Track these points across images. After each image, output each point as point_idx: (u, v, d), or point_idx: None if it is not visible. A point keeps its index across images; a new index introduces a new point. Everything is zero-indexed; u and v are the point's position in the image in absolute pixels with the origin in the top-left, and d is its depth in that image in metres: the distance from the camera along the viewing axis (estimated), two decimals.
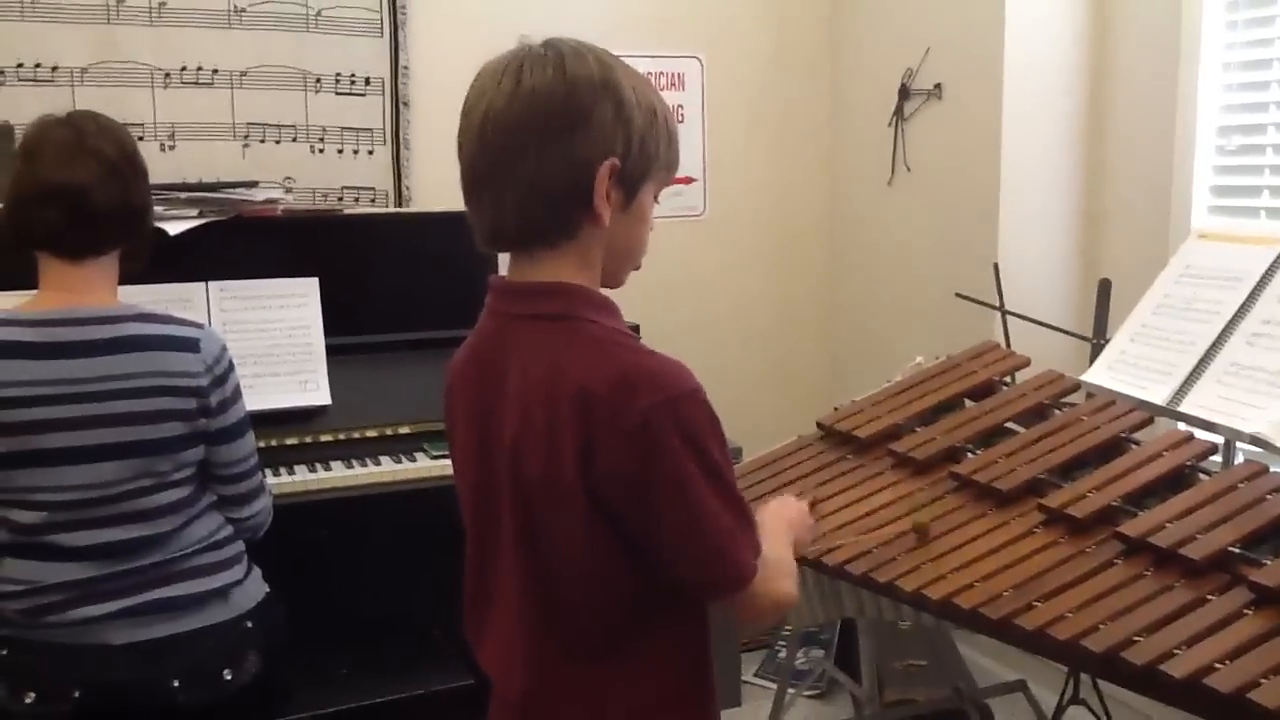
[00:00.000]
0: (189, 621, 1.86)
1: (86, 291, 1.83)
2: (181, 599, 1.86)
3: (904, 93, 3.22)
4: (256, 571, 2.02)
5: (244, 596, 1.95)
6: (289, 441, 2.51)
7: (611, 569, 1.17)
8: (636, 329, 1.26)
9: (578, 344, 1.15)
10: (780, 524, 1.35)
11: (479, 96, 1.15)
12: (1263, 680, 1.24)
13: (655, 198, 1.23)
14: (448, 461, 2.43)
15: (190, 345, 1.86)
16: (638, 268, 1.27)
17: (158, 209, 2.51)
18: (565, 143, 1.12)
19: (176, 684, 1.84)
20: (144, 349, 1.82)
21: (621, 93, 1.14)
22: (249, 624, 1.94)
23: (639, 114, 1.15)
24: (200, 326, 1.93)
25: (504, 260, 1.25)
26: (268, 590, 2.03)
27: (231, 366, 1.93)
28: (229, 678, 1.90)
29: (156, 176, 2.74)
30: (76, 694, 1.79)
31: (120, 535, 1.82)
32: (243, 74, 2.90)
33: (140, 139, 2.80)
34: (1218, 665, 1.28)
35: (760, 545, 1.19)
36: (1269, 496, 1.58)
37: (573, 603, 1.19)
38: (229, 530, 1.97)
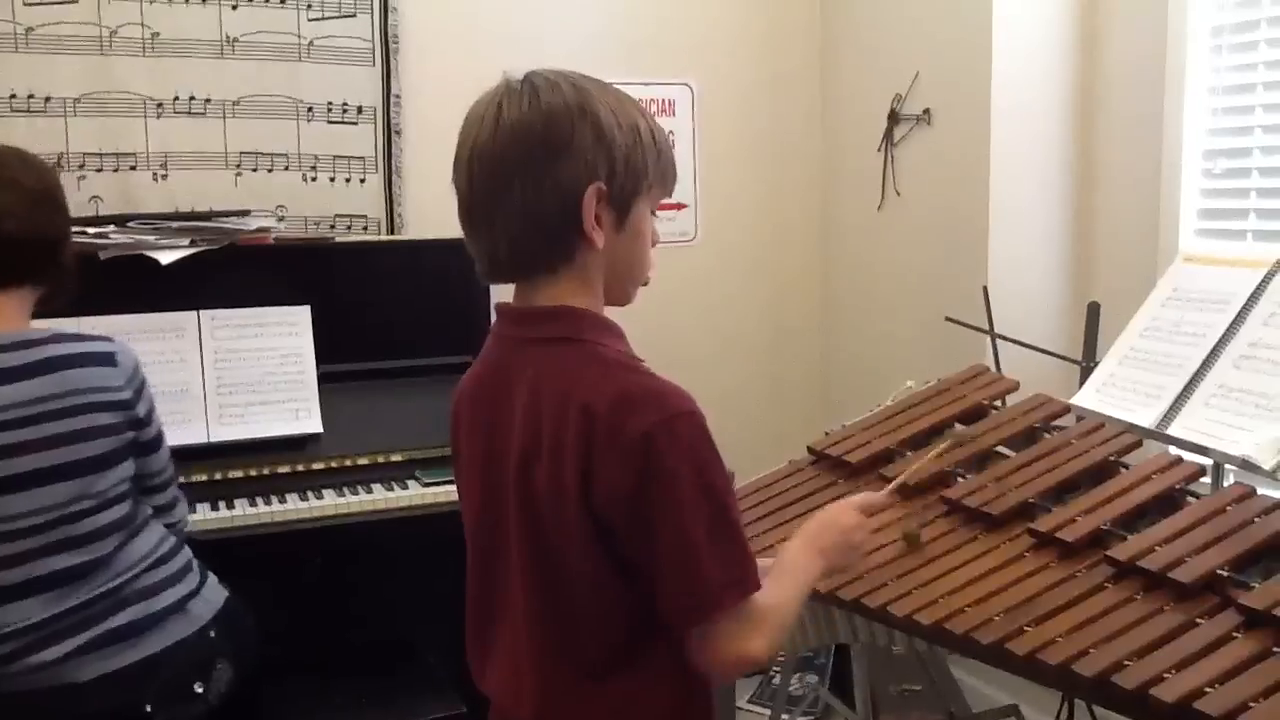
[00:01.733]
0: (154, 642, 1.85)
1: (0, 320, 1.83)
2: (140, 622, 1.85)
3: (893, 118, 3.24)
4: (212, 578, 2.02)
5: (203, 606, 1.95)
6: (281, 470, 2.51)
7: (613, 587, 1.17)
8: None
9: (583, 365, 1.17)
10: (805, 552, 1.31)
11: (466, 134, 1.19)
12: (1252, 704, 1.24)
13: (653, 212, 1.24)
14: (441, 489, 2.48)
15: (108, 360, 1.87)
16: (646, 283, 1.28)
17: (150, 238, 2.55)
18: (548, 171, 1.15)
19: (150, 709, 1.84)
20: (65, 368, 1.82)
21: (599, 116, 1.16)
22: (212, 633, 1.94)
23: (620, 134, 1.17)
24: (111, 340, 1.93)
25: (496, 289, 1.26)
26: (228, 595, 2.03)
27: (145, 378, 1.95)
28: (200, 690, 1.89)
29: (149, 206, 2.79)
30: None
31: (66, 562, 1.81)
32: (235, 103, 2.91)
33: (133, 168, 2.84)
34: (1208, 689, 1.28)
35: (745, 588, 1.15)
36: (1257, 519, 1.58)
37: (579, 621, 1.19)
38: (172, 542, 1.97)
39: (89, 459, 1.82)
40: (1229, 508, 1.62)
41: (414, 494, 2.50)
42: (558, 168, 1.15)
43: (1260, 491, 1.66)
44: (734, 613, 1.15)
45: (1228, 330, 1.91)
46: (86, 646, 1.81)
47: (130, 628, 1.84)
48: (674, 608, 1.16)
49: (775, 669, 3.29)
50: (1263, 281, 1.92)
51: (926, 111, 3.13)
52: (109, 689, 1.81)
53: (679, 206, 3.44)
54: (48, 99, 2.76)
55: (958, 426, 1.70)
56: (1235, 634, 1.37)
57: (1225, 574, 1.48)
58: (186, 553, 2.00)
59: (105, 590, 1.84)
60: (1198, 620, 1.42)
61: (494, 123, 1.16)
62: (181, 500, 2.09)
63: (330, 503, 2.44)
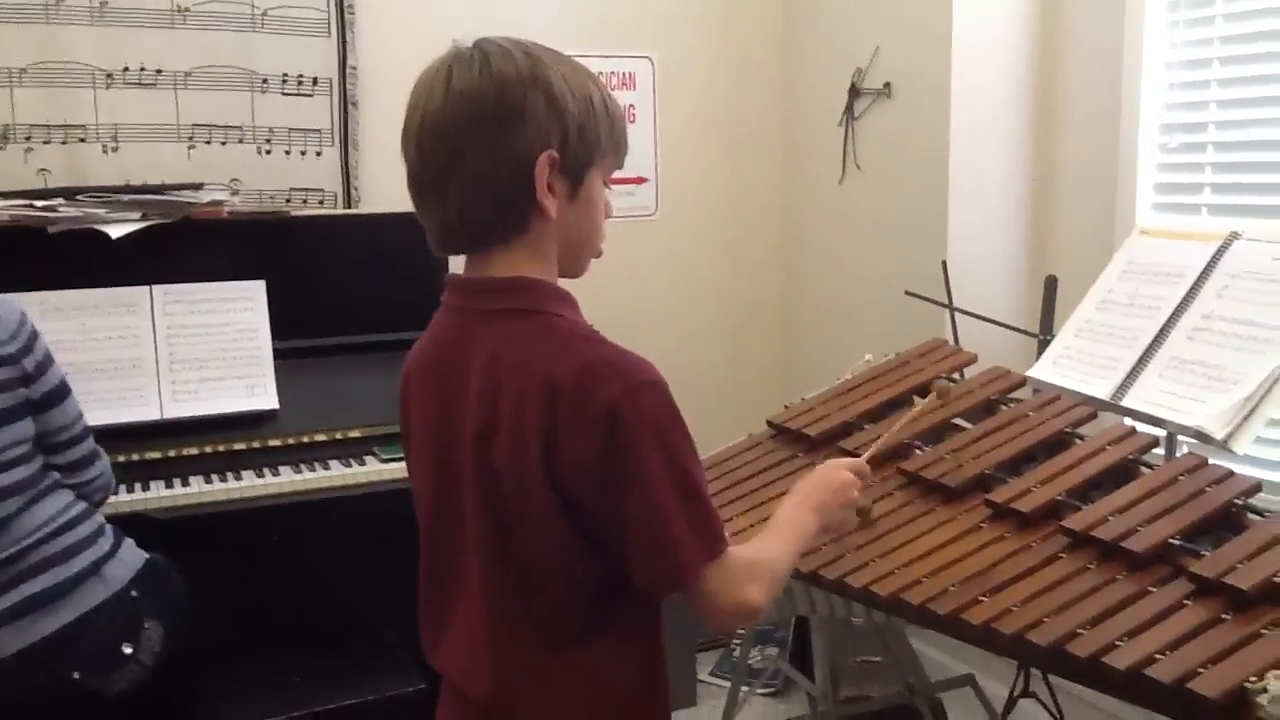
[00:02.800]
0: (71, 609, 1.83)
1: None
2: (53, 590, 1.83)
3: (854, 92, 3.24)
4: (128, 541, 2.00)
5: (120, 567, 1.93)
6: (237, 447, 2.48)
7: (572, 560, 1.17)
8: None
9: (542, 337, 1.16)
10: (800, 508, 1.32)
11: (414, 104, 1.18)
12: (1201, 670, 1.25)
13: (607, 184, 1.23)
14: (399, 465, 2.46)
15: None
16: (599, 255, 1.27)
17: (100, 211, 2.50)
18: (500, 139, 1.13)
19: (77, 675, 1.81)
20: None
21: (552, 85, 1.15)
22: (134, 593, 1.91)
23: (573, 103, 1.16)
24: None
25: (454, 262, 1.25)
26: (149, 556, 2.00)
27: (36, 332, 1.91)
28: (130, 652, 1.88)
29: (99, 179, 2.74)
30: None
31: None
32: (187, 74, 2.86)
33: (82, 140, 2.78)
34: (1159, 656, 1.30)
35: (717, 547, 1.16)
36: (1209, 489, 1.60)
37: (538, 594, 1.19)
38: (81, 507, 1.94)
39: None
40: (1181, 478, 1.64)
41: (372, 470, 2.48)
42: (510, 136, 1.13)
43: (1212, 461, 1.68)
44: (716, 568, 1.15)
45: (1181, 303, 1.92)
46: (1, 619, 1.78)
47: (42, 596, 1.82)
48: (650, 577, 1.16)
49: (736, 642, 3.31)
50: (1216, 254, 1.93)
51: (887, 85, 3.13)
52: (31, 663, 1.79)
53: (639, 180, 3.43)
54: None
55: (938, 382, 1.70)
56: (1186, 601, 1.39)
57: (1177, 543, 1.49)
58: (98, 517, 1.97)
59: (6, 557, 1.80)
60: (1150, 589, 1.43)
61: (444, 91, 1.14)
62: (99, 457, 2.04)
63: (287, 480, 2.42)
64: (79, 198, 2.53)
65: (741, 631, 2.87)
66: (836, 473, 1.39)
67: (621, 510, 1.12)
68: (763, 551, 1.24)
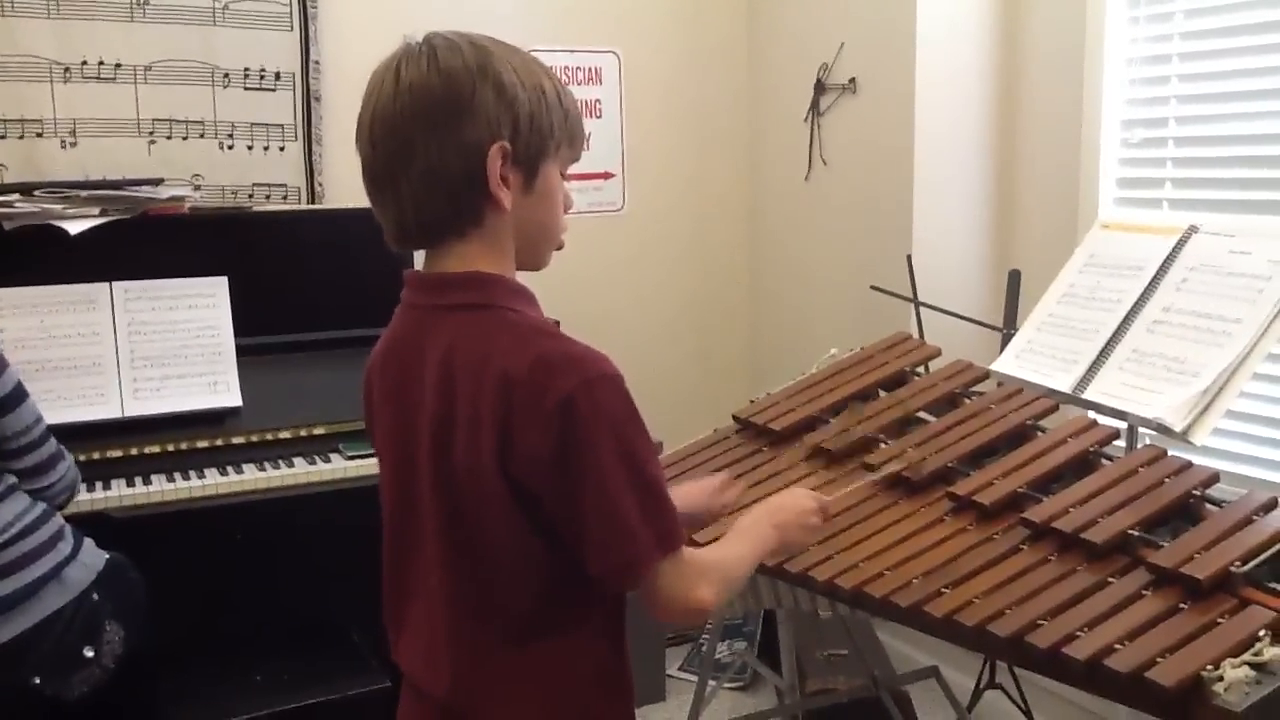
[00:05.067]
0: (30, 615, 1.82)
1: None
2: (11, 596, 1.81)
3: (819, 87, 3.24)
4: (88, 542, 1.98)
5: (81, 571, 1.91)
6: (199, 444, 2.46)
7: (531, 554, 1.16)
8: (556, 324, 1.25)
9: (498, 332, 1.15)
10: (761, 522, 1.33)
11: (366, 100, 1.17)
12: (1159, 660, 1.27)
13: (563, 174, 1.23)
14: (363, 462, 2.45)
15: None
16: (560, 247, 1.26)
17: (58, 207, 2.46)
18: (450, 132, 1.13)
19: (37, 680, 1.79)
20: None
21: (501, 75, 1.14)
22: (95, 596, 1.90)
23: (523, 93, 1.15)
24: None
25: (419, 259, 1.24)
26: (109, 556, 1.98)
27: None
28: (91, 655, 1.86)
29: (57, 174, 2.70)
30: None
31: None
32: (147, 68, 2.82)
33: (39, 135, 2.74)
34: (1118, 646, 1.31)
35: (670, 542, 1.16)
36: (1168, 480, 1.62)
37: (498, 589, 1.18)
38: (39, 511, 1.92)
39: None
40: (1141, 469, 1.66)
41: (336, 468, 2.46)
42: (460, 128, 1.13)
43: (1171, 453, 1.70)
44: (670, 564, 1.15)
45: (1142, 296, 1.94)
46: None
47: (1, 602, 1.80)
48: (603, 570, 1.16)
49: (704, 637, 3.31)
50: (1175, 248, 1.96)
51: (852, 81, 3.14)
52: None
53: (605, 176, 3.42)
54: None
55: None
56: (1144, 592, 1.41)
57: (1136, 534, 1.51)
58: (57, 520, 1.95)
59: None
60: (1109, 580, 1.45)
61: (393, 86, 1.14)
62: (62, 459, 2.02)
63: (250, 478, 2.40)
64: (36, 193, 2.50)
65: (709, 626, 2.87)
66: (802, 498, 1.41)
67: (577, 504, 1.12)
68: (717, 554, 1.25)
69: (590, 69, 3.36)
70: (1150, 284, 1.94)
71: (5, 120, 2.71)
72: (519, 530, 1.15)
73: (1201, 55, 2.49)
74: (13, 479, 1.91)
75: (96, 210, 2.50)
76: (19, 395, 1.93)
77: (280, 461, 2.46)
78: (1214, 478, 1.63)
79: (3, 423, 1.89)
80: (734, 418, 2.14)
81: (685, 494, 1.48)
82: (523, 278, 1.23)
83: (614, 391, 1.13)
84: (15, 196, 2.47)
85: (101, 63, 2.78)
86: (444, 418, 1.16)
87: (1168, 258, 1.95)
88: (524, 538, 1.16)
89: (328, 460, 2.48)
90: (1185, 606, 1.36)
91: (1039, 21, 2.86)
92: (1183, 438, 1.72)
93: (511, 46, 1.19)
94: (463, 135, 1.13)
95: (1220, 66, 2.44)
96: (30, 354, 2.36)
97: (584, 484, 1.11)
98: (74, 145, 2.78)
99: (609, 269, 3.42)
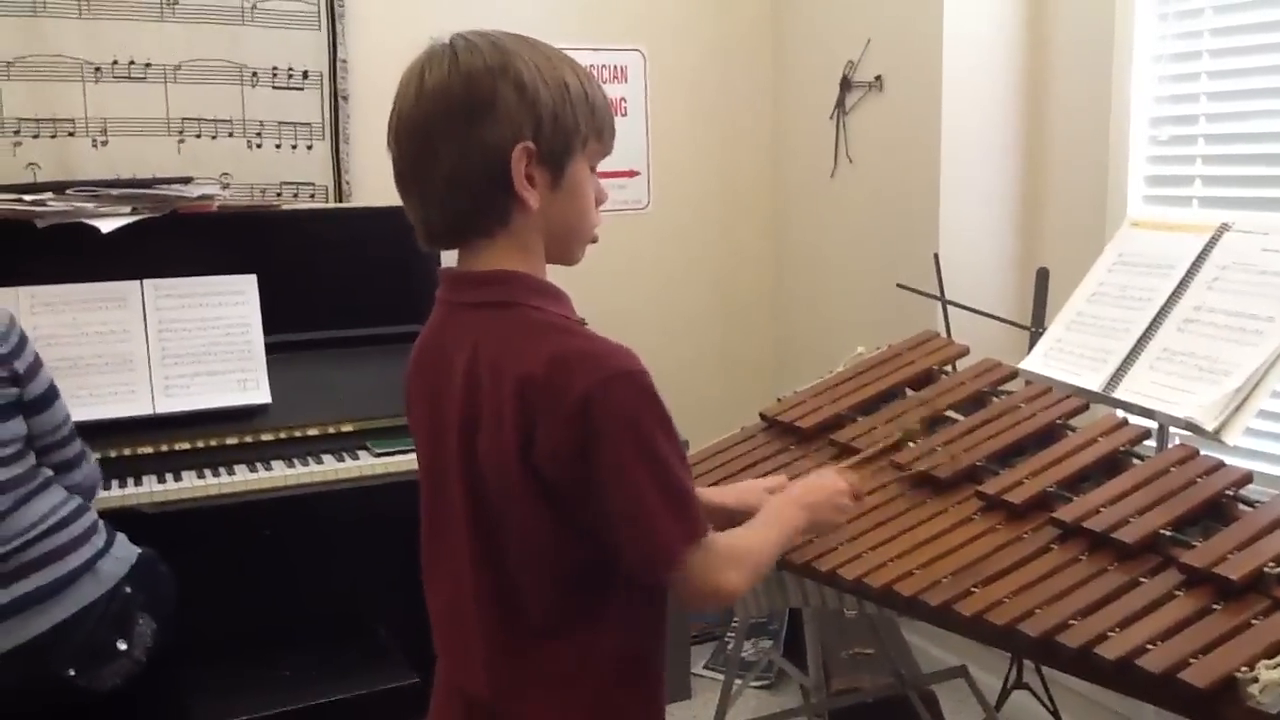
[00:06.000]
0: (65, 606, 1.84)
1: None
2: (48, 587, 1.83)
3: (845, 85, 3.23)
4: (121, 536, 2.01)
5: (114, 564, 1.93)
6: (229, 441, 2.48)
7: (559, 546, 1.17)
8: (582, 323, 1.26)
9: (517, 330, 1.16)
10: (790, 504, 1.35)
11: (395, 102, 1.19)
12: (1192, 660, 1.26)
13: (593, 169, 1.22)
14: (391, 459, 2.46)
15: None
16: (595, 241, 1.26)
17: (89, 205, 2.49)
18: (472, 133, 1.13)
19: (72, 672, 1.82)
20: None
21: (521, 74, 1.14)
22: (128, 589, 1.92)
23: (546, 90, 1.15)
24: None
25: (448, 255, 1.25)
26: (140, 551, 2.00)
27: (25, 336, 1.92)
28: (124, 648, 1.88)
29: (88, 173, 2.73)
30: None
31: None
32: (176, 68, 2.85)
33: (71, 135, 2.77)
34: (1149, 646, 1.30)
35: (696, 530, 1.17)
36: (1199, 479, 1.60)
37: (528, 582, 1.19)
38: (74, 504, 1.95)
39: None
40: (1172, 469, 1.64)
41: (365, 464, 2.47)
42: (481, 130, 1.13)
43: (1203, 453, 1.68)
44: (699, 552, 1.16)
45: (1172, 294, 1.92)
46: None
47: (36, 594, 1.82)
48: (634, 563, 1.17)
49: (729, 635, 3.31)
50: (1206, 246, 1.94)
51: (878, 78, 3.13)
52: (25, 660, 1.79)
53: (631, 174, 3.42)
54: None
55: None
56: (1176, 592, 1.39)
57: (1167, 534, 1.50)
58: (92, 514, 1.98)
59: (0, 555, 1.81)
60: (1140, 580, 1.43)
61: (417, 88, 1.15)
62: (86, 458, 2.06)
63: (280, 474, 2.42)
64: (68, 192, 2.52)
65: (735, 624, 2.87)
66: (832, 479, 1.43)
67: (603, 500, 1.13)
68: (746, 539, 1.27)
69: (615, 67, 3.36)
70: (1181, 282, 1.93)
71: (38, 120, 2.74)
72: (547, 525, 1.16)
73: (1232, 52, 2.47)
74: (49, 472, 1.94)
75: (127, 209, 2.52)
76: (52, 394, 1.96)
77: (309, 458, 2.48)
78: (1247, 478, 1.61)
79: (38, 420, 1.92)
80: (761, 415, 2.14)
81: (741, 491, 1.49)
82: (554, 274, 1.24)
83: (632, 387, 1.12)
84: (48, 195, 2.50)
85: (132, 62, 2.81)
86: (470, 416, 1.17)
87: (1199, 256, 1.93)
88: (552, 532, 1.17)
89: (356, 457, 2.49)
90: (1218, 607, 1.35)
91: (1066, 18, 2.84)
92: (1214, 437, 1.70)
93: (535, 43, 1.18)
94: (484, 136, 1.13)
95: (1251, 63, 2.42)
96: (62, 351, 2.39)
97: (607, 481, 1.12)
98: (105, 144, 2.81)
99: (634, 267, 3.42)
